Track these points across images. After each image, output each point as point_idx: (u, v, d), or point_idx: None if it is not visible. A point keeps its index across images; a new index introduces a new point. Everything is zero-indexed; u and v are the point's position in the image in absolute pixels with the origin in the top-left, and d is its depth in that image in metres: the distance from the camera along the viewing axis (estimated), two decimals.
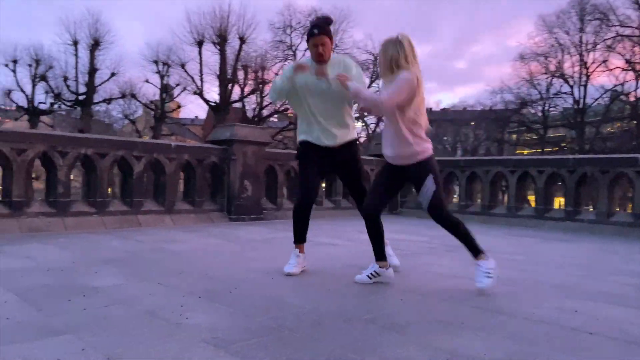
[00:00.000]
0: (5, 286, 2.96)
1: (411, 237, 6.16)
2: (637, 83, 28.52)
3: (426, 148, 3.24)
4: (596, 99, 31.26)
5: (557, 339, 2.25)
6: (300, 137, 3.77)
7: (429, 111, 53.09)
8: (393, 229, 7.03)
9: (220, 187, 7.24)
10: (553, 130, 36.33)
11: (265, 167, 7.66)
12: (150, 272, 3.52)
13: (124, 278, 3.30)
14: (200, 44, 24.29)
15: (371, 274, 3.33)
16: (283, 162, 7.93)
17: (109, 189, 6.71)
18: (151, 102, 27.71)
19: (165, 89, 27.17)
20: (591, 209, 9.93)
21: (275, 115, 30.30)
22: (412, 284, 3.37)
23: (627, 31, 28.53)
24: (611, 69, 29.52)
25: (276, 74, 28.79)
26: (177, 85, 26.63)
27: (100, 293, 2.87)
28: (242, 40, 24.10)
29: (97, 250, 4.49)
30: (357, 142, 3.86)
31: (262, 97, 27.43)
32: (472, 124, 47.39)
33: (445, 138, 48.99)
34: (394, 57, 3.18)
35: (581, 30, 30.55)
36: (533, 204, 8.24)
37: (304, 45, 29.63)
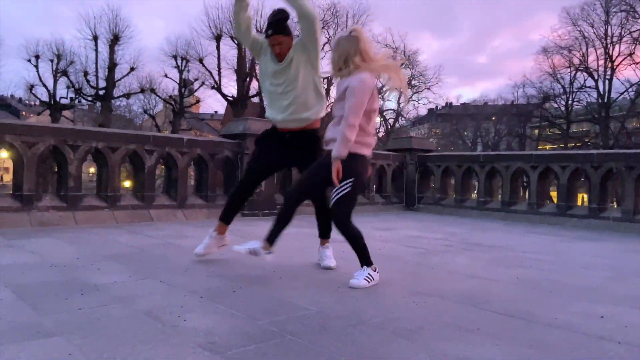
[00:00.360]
0: (5, 282, 2.89)
1: (427, 234, 5.97)
2: None
3: (362, 146, 3.12)
4: (621, 93, 30.46)
5: (582, 348, 2.07)
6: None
7: (449, 105, 52.49)
8: (409, 225, 6.86)
9: (233, 182, 7.13)
10: (576, 125, 35.55)
11: None
12: (155, 269, 3.42)
13: (126, 275, 3.20)
14: (218, 38, 24.28)
15: (251, 250, 3.27)
16: None
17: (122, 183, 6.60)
18: (170, 97, 27.84)
19: (184, 84, 27.26)
20: (616, 206, 9.59)
21: None
22: (426, 284, 3.20)
23: None
24: (637, 62, 28.71)
25: None
26: (196, 79, 26.71)
27: (99, 291, 2.76)
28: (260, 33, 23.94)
29: (104, 245, 4.41)
30: (318, 131, 3.68)
31: None
32: (493, 118, 46.67)
33: (465, 133, 48.47)
34: (345, 53, 3.05)
35: (606, 22, 29.75)
36: (555, 200, 7.97)
37: (321, 39, 29.42)
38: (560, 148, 32.23)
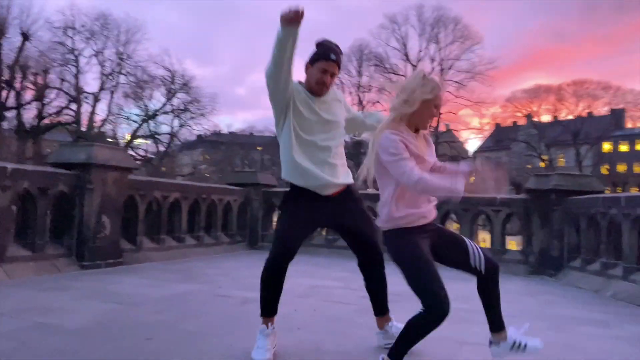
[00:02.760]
0: None
1: (318, 281, 5.52)
2: None
3: None
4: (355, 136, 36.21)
5: None
6: None
7: (218, 134, 52.93)
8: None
9: (69, 225, 5.54)
10: None
11: (125, 198, 6.16)
12: None
13: None
14: None
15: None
16: (145, 191, 6.50)
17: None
18: None
19: None
20: None
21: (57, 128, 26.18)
22: None
23: (396, 78, 34.18)
24: (385, 110, 34.36)
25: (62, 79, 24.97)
26: None
27: None
28: (26, 36, 20.24)
29: None
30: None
31: (43, 105, 23.46)
32: (260, 148, 49.51)
33: (235, 161, 49.74)
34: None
35: (359, 73, 35.98)
36: None
37: (88, 50, 27.10)
38: None
